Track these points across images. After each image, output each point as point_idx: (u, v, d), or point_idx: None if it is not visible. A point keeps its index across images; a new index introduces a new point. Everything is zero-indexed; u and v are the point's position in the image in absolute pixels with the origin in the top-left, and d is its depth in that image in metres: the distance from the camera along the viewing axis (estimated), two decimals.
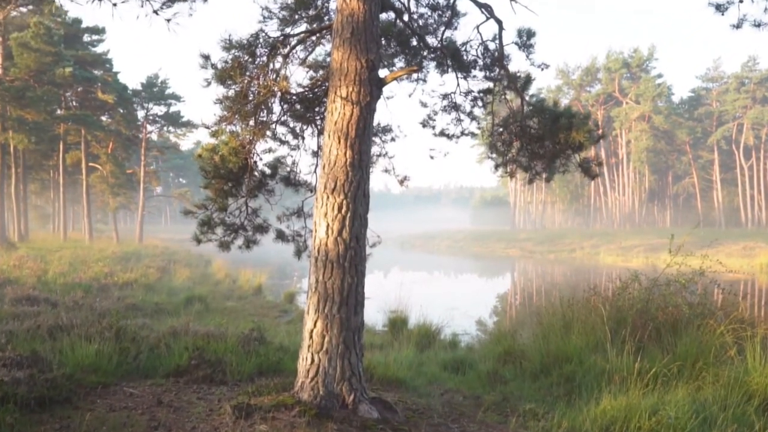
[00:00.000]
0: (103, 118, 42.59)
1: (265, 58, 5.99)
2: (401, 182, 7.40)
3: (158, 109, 47.18)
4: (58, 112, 38.42)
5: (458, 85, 7.60)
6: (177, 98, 46.62)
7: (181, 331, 8.44)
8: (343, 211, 5.04)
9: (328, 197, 5.09)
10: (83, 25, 40.86)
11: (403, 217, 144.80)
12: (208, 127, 6.19)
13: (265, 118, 6.89)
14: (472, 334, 15.22)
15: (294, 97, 7.11)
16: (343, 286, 5.00)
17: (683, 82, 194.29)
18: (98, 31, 41.74)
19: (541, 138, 7.01)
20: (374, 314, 14.52)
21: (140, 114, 46.51)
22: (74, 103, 42.02)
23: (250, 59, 6.02)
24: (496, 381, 7.36)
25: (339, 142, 5.11)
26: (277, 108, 7.06)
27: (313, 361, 5.04)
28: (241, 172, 6.62)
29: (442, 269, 43.08)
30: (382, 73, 5.48)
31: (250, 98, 6.56)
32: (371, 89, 5.20)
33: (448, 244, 72.78)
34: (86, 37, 41.76)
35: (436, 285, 30.58)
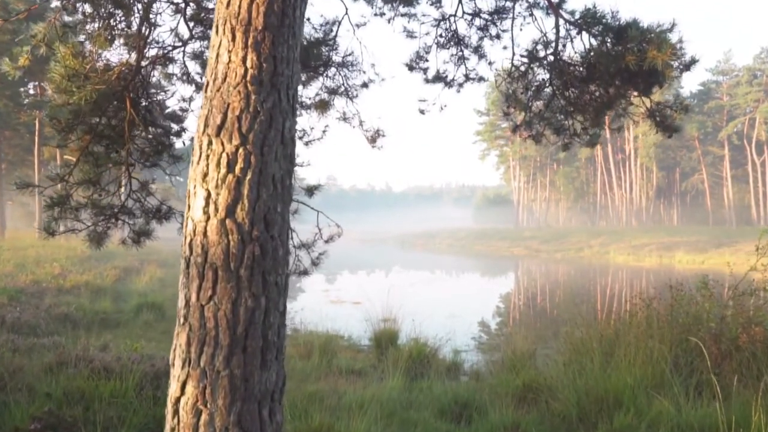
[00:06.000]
0: None
1: None
2: (372, 140, 4.96)
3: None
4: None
5: (460, 3, 5.15)
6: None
7: (73, 360, 6.04)
8: (237, 168, 2.60)
9: (210, 143, 2.65)
10: (53, 5, 38.05)
11: (404, 216, 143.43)
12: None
13: (163, 42, 4.47)
14: (479, 343, 12.96)
15: (210, 16, 4.68)
16: (237, 314, 2.57)
17: (693, 74, 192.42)
18: None
19: (586, 79, 4.59)
20: (359, 325, 12.17)
21: None
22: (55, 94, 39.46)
23: None
24: None
25: (233, 38, 2.67)
26: (183, 29, 4.64)
27: None
28: (120, 123, 4.18)
29: (443, 269, 40.73)
30: None
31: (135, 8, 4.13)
32: None
33: (449, 243, 70.65)
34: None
35: (436, 287, 28.17)
